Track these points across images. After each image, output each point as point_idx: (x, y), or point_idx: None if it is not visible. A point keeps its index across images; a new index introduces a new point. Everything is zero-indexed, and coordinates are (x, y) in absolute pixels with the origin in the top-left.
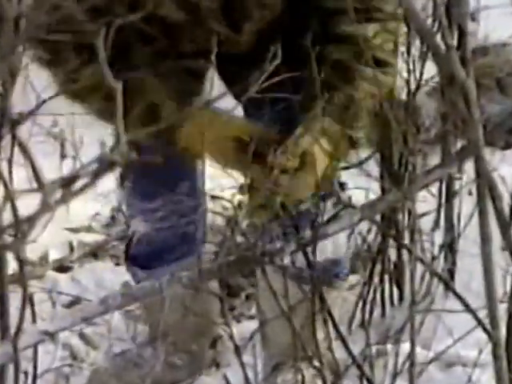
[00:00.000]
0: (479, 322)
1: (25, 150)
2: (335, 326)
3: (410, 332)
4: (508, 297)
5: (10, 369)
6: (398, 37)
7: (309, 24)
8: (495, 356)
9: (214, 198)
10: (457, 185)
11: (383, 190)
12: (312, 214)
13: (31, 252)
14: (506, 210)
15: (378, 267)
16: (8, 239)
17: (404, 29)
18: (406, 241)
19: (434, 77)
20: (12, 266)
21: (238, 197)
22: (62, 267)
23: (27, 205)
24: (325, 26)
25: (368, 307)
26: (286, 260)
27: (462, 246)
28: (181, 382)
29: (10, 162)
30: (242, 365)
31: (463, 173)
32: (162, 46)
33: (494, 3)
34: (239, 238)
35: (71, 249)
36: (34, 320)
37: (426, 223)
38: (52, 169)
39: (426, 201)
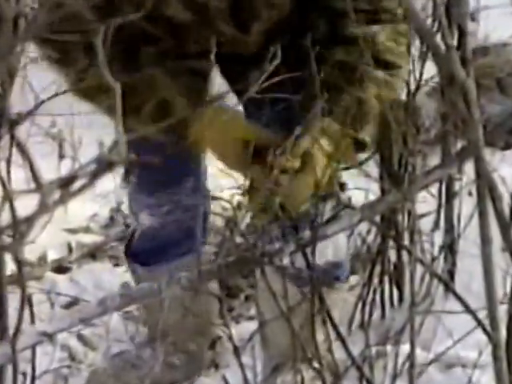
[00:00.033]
0: (479, 323)
1: (23, 151)
2: (335, 326)
3: (409, 333)
4: (508, 298)
5: (9, 370)
6: (408, 38)
7: (317, 24)
8: (495, 357)
9: (213, 198)
10: (457, 185)
11: (383, 191)
12: (311, 216)
13: (29, 253)
14: (506, 210)
15: (378, 268)
16: (6, 240)
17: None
18: (406, 242)
19: (433, 77)
20: (10, 267)
21: (237, 197)
22: (60, 268)
23: (25, 205)
24: (333, 28)
25: (368, 308)
26: (286, 261)
27: (462, 247)
28: (179, 382)
29: (8, 162)
30: (241, 366)
31: (463, 173)
32: (169, 46)
33: (493, 3)
34: (238, 239)
35: (70, 250)
36: (32, 321)
37: (425, 224)
38: (50, 169)
39: (425, 201)
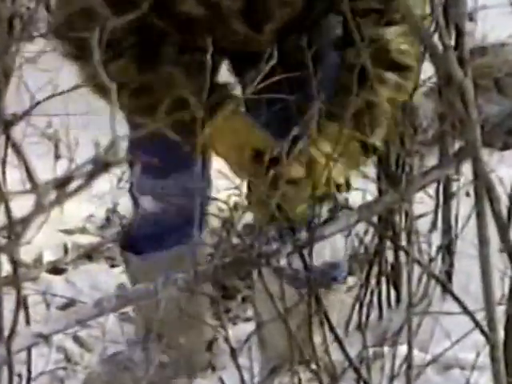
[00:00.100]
0: (477, 325)
1: (19, 151)
2: (332, 328)
3: (407, 334)
4: (506, 299)
5: (4, 372)
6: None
7: (328, 26)
8: (493, 358)
9: (210, 199)
10: (454, 186)
11: (380, 192)
12: (309, 217)
13: (25, 254)
14: (504, 211)
15: (375, 269)
16: (2, 241)
17: None
18: (404, 242)
19: (431, 77)
20: (6, 268)
21: (234, 198)
22: (56, 269)
23: (21, 206)
24: (345, 29)
25: (365, 309)
26: (283, 262)
27: (459, 248)
28: (171, 380)
29: (3, 162)
30: (238, 367)
31: (461, 174)
32: (183, 43)
33: (491, 3)
34: (235, 240)
35: (66, 251)
36: (27, 322)
37: (423, 225)
38: (46, 170)
39: (423, 202)
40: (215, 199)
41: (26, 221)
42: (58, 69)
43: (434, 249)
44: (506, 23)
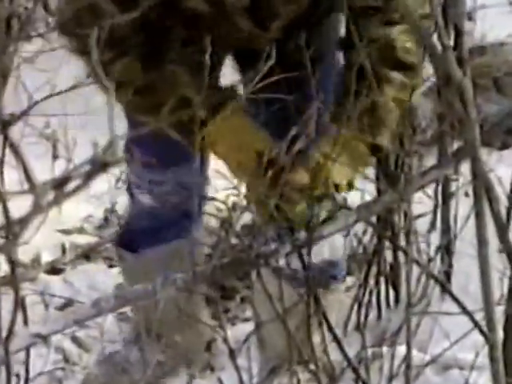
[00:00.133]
0: (476, 325)
1: (17, 152)
2: (331, 328)
3: (406, 334)
4: (505, 299)
5: (2, 372)
6: None
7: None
8: (492, 359)
9: (207, 199)
10: (453, 186)
11: (379, 192)
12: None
13: (23, 254)
14: (503, 211)
15: (374, 269)
16: (0, 241)
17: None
18: (402, 242)
19: (430, 77)
20: (4, 268)
21: (232, 198)
22: (54, 269)
23: (19, 206)
24: (349, 28)
25: (364, 309)
26: (281, 262)
27: (458, 248)
28: (166, 376)
29: (1, 163)
30: (237, 368)
31: (460, 174)
32: (187, 39)
33: (490, 2)
34: (234, 240)
35: (63, 251)
36: (25, 323)
37: (422, 225)
38: (44, 170)
39: (422, 202)
40: (214, 199)
41: (23, 221)
42: (56, 69)
43: (432, 249)
44: (504, 22)
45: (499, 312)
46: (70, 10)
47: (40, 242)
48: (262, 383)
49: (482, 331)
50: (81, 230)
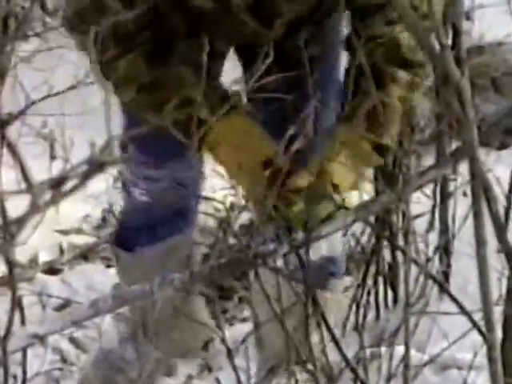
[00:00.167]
0: (474, 325)
1: (14, 151)
2: (329, 328)
3: (404, 334)
4: (503, 299)
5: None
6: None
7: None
8: (490, 359)
9: (205, 199)
10: (451, 186)
11: (377, 192)
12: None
13: (20, 254)
14: (501, 211)
15: (372, 269)
16: None
17: None
18: (401, 242)
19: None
20: (1, 269)
21: (230, 198)
22: (51, 269)
23: (16, 206)
24: (355, 27)
25: (362, 310)
26: (279, 262)
27: (456, 248)
28: (159, 371)
29: None
30: (235, 368)
31: (458, 174)
32: (192, 35)
33: (489, 2)
34: (232, 240)
35: (61, 251)
36: (23, 323)
37: (420, 225)
38: (42, 170)
39: (420, 202)
40: (212, 199)
41: (21, 221)
42: (53, 68)
43: (431, 249)
44: (503, 22)
45: (498, 312)
46: (75, 6)
47: (37, 242)
48: (260, 383)
49: (480, 331)
50: (78, 230)
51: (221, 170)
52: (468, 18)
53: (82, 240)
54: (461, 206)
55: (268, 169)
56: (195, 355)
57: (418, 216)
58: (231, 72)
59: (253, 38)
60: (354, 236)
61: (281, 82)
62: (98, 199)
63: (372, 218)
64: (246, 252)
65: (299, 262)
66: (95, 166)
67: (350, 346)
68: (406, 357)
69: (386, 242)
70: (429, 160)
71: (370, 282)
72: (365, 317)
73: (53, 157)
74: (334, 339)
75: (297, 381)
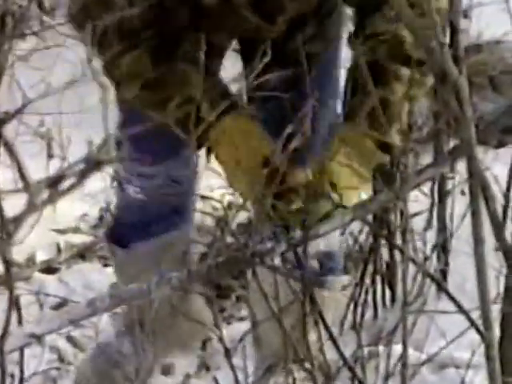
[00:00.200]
0: (472, 324)
1: (11, 150)
2: (326, 327)
3: (402, 333)
4: (501, 298)
5: None
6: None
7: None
8: (488, 357)
9: (203, 198)
10: (449, 184)
11: (375, 190)
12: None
13: (18, 253)
14: (499, 210)
15: (370, 268)
16: None
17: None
18: (398, 241)
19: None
20: None
21: (228, 197)
22: (49, 269)
23: (13, 205)
24: (357, 24)
25: (360, 308)
26: (277, 260)
27: (454, 247)
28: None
29: None
30: (232, 367)
31: (456, 172)
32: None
33: (486, 0)
34: (229, 239)
35: (58, 250)
36: (20, 322)
37: (418, 223)
38: (39, 169)
39: (418, 200)
40: (209, 198)
41: (18, 220)
42: (50, 67)
43: (429, 247)
44: (501, 20)
45: (495, 311)
46: (80, 2)
47: (35, 241)
48: (258, 382)
49: (478, 330)
50: (76, 230)
51: (220, 168)
52: (466, 16)
53: (79, 239)
54: (459, 204)
55: (268, 169)
56: (192, 352)
57: (415, 214)
58: (231, 68)
59: (255, 34)
60: (352, 235)
61: (280, 81)
62: (95, 198)
63: (370, 217)
64: (244, 251)
65: (296, 260)
66: (92, 164)
67: (347, 344)
68: (403, 356)
69: (383, 241)
70: (427, 158)
71: (367, 280)
72: (363, 315)
73: (50, 156)
74: (331, 338)
75: (294, 379)
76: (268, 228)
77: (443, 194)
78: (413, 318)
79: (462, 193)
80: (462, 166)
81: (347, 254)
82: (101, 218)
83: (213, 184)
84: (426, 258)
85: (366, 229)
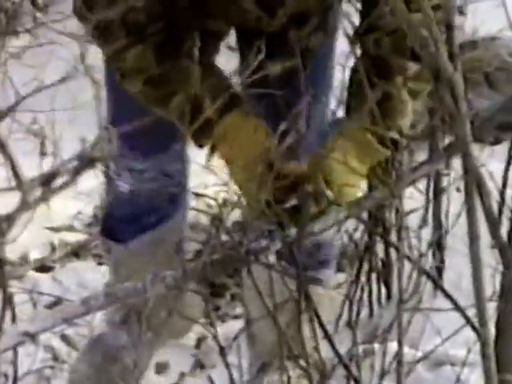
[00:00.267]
0: (468, 321)
1: (4, 148)
2: (322, 325)
3: (397, 331)
4: (497, 295)
5: None
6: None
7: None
8: (484, 355)
9: (197, 195)
10: (445, 181)
11: (370, 187)
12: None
13: (11, 252)
14: (495, 207)
15: (366, 266)
16: None
17: None
18: (394, 238)
19: None
20: None
21: (223, 194)
22: (43, 267)
23: (6, 203)
24: (362, 17)
25: (355, 306)
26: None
27: (450, 244)
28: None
29: None
30: (227, 365)
31: (451, 169)
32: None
33: None
34: (224, 237)
35: (52, 248)
36: (14, 321)
37: (413, 220)
38: (32, 167)
39: (413, 198)
40: (204, 195)
41: (11, 218)
42: (43, 64)
43: (424, 245)
44: (496, 16)
45: (491, 308)
46: None
47: (28, 239)
48: (253, 380)
49: (473, 327)
50: (70, 228)
51: (223, 166)
52: (461, 12)
53: (73, 237)
54: (454, 201)
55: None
56: (186, 348)
57: (411, 212)
58: (226, 64)
59: (256, 25)
60: (347, 232)
61: (274, 77)
62: (89, 196)
63: (365, 214)
64: (239, 249)
65: (291, 258)
66: (86, 161)
67: (342, 342)
68: (399, 353)
69: (379, 238)
70: (422, 155)
71: (363, 278)
72: (358, 313)
73: (43, 153)
74: (326, 335)
75: (289, 377)
76: (263, 226)
77: (438, 191)
78: (408, 315)
79: (458, 190)
80: (457, 162)
81: (342, 251)
82: (95, 216)
83: (207, 181)
84: (421, 256)
85: (361, 226)
